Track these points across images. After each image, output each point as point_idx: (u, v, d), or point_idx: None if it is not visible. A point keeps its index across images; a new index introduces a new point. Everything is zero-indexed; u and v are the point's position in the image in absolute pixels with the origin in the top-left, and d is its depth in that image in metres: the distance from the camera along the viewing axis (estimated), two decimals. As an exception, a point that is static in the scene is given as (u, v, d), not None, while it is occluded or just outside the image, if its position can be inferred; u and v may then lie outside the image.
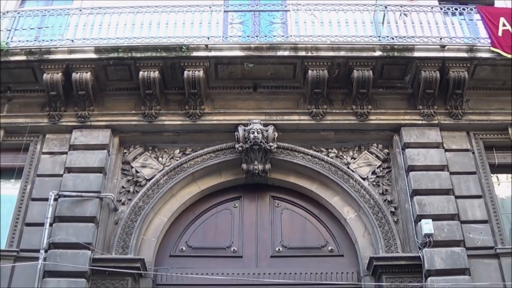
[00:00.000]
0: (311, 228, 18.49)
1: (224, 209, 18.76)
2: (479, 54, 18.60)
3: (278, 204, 18.85)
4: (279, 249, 17.99)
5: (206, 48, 18.57)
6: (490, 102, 18.97)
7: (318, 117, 18.77)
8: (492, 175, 18.24)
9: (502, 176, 18.70)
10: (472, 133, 18.70)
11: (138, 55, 18.50)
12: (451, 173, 17.89)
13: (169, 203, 18.41)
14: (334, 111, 18.93)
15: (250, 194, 19.00)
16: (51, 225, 16.83)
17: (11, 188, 18.24)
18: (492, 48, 18.54)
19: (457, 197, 17.48)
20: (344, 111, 18.95)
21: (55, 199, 17.20)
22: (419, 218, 16.94)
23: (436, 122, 18.66)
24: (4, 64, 18.57)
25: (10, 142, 18.61)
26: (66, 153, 18.27)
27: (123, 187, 18.37)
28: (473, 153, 18.40)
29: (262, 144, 18.07)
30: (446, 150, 18.31)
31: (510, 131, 18.61)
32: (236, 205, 18.83)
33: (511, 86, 18.97)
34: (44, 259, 16.20)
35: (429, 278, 16.11)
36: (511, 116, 18.71)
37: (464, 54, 18.57)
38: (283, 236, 18.23)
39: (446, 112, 18.76)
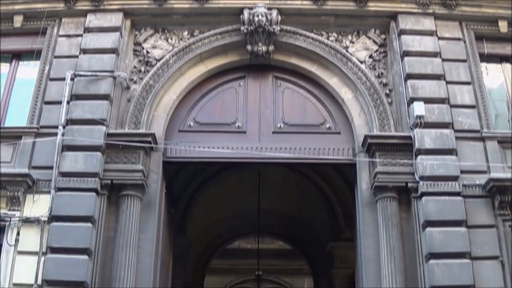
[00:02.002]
0: (311, 107, 18.37)
1: (229, 88, 18.60)
2: None
3: (280, 84, 18.65)
4: (280, 126, 17.97)
5: None
6: (482, -5, 18.64)
7: (319, 2, 18.29)
8: (481, 64, 18.08)
9: (491, 66, 18.50)
10: (464, 23, 18.35)
11: None
12: (443, 60, 17.67)
13: (178, 81, 18.21)
14: (335, -4, 18.54)
15: (254, 74, 18.77)
16: (68, 103, 16.85)
17: (30, 71, 18.14)
18: None
19: (448, 82, 17.37)
20: (344, -4, 18.56)
21: (72, 79, 17.12)
22: (412, 100, 16.87)
23: (431, 11, 18.24)
24: (21, -50, 18.11)
25: (28, 27, 18.34)
26: (81, 35, 18.00)
27: (135, 66, 18.13)
28: (465, 42, 18.11)
29: (266, 26, 17.75)
30: (439, 38, 18.01)
31: (500, 24, 18.32)
32: (241, 84, 18.64)
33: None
34: (62, 134, 16.34)
35: (418, 157, 16.16)
36: (501, 9, 18.32)
37: None
38: (284, 114, 18.16)
39: (441, 3, 18.29)
